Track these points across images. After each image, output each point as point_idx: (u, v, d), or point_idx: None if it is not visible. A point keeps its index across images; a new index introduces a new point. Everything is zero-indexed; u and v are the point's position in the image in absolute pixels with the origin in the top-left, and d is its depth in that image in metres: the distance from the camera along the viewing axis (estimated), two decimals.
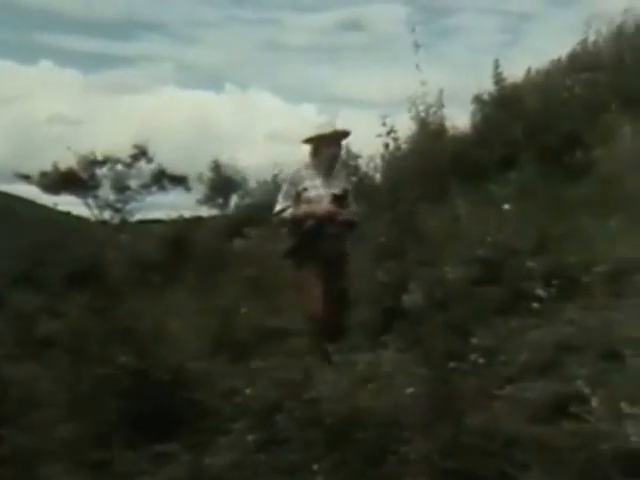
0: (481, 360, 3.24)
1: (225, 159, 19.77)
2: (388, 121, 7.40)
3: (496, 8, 43.37)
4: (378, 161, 9.54)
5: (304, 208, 4.20)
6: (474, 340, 3.59)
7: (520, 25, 47.94)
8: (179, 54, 53.53)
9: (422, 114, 8.62)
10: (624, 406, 2.50)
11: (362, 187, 8.89)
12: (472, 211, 6.09)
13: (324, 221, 4.15)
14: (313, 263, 4.13)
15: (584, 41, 9.13)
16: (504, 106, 8.31)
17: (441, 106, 8.73)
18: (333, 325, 4.10)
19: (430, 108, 8.60)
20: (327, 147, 4.28)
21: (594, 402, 2.56)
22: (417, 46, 7.90)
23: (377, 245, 6.38)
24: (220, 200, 19.23)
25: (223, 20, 56.00)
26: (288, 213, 4.23)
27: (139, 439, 3.38)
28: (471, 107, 9.38)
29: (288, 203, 4.24)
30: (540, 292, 3.96)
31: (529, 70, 9.42)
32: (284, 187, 4.38)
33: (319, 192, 4.21)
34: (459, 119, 9.24)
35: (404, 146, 8.64)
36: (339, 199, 4.22)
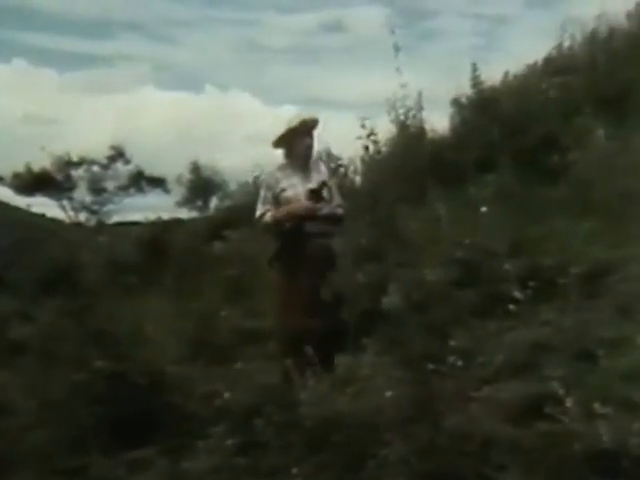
0: (459, 362, 3.26)
1: (204, 161, 19.72)
2: (368, 123, 7.41)
3: (473, 12, 43.87)
4: (358, 163, 9.56)
5: (284, 209, 4.07)
6: (452, 342, 3.61)
7: (496, 28, 48.48)
8: (157, 54, 53.26)
9: (401, 117, 8.66)
10: (597, 406, 2.54)
11: (342, 189, 8.90)
12: (450, 213, 6.13)
13: (303, 219, 4.00)
14: (298, 267, 3.96)
15: (559, 45, 9.24)
16: (482, 109, 8.37)
17: (420, 109, 8.77)
18: (326, 332, 3.91)
19: (409, 111, 8.65)
20: (300, 139, 4.17)
21: (568, 402, 2.59)
22: (397, 49, 7.91)
23: (356, 247, 6.41)
24: (199, 202, 19.17)
25: (201, 20, 55.82)
26: (268, 217, 4.09)
27: (116, 445, 3.36)
28: (450, 110, 9.45)
29: (267, 207, 4.11)
30: (517, 294, 3.98)
31: (506, 73, 9.51)
32: (261, 192, 4.25)
33: (297, 190, 4.09)
34: (438, 122, 9.29)
35: (384, 148, 8.69)
36: (316, 193, 4.05)
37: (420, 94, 8.65)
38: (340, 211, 4.24)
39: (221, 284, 6.77)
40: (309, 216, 4.00)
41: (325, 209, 4.07)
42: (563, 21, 9.25)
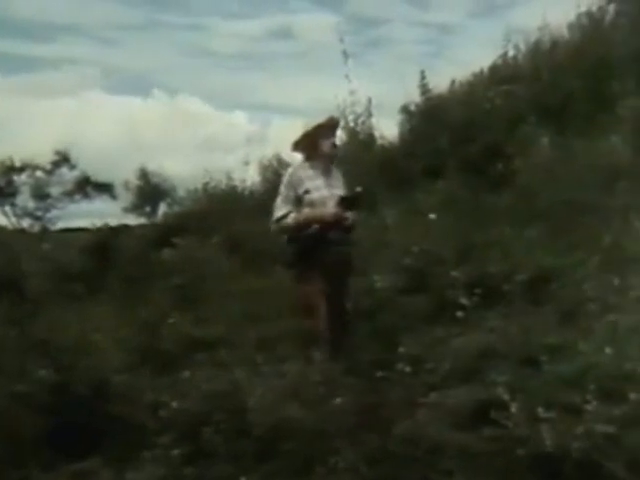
0: (407, 368, 3.29)
1: (153, 166, 19.48)
2: None
3: (420, 20, 44.55)
4: None
5: (307, 212, 3.86)
6: (401, 349, 3.64)
7: (443, 37, 49.31)
8: (104, 58, 52.17)
9: (351, 123, 8.73)
10: (540, 411, 2.60)
11: None
12: (399, 220, 6.20)
13: (330, 226, 3.84)
14: (317, 274, 3.81)
15: (504, 55, 9.44)
16: (430, 117, 8.50)
17: (370, 116, 8.87)
18: (337, 341, 3.82)
19: (359, 118, 8.72)
20: (326, 137, 4.01)
21: (513, 408, 2.64)
22: (346, 55, 8.00)
23: None
24: (147, 208, 18.91)
25: (147, 24, 54.99)
26: (290, 219, 3.88)
27: (58, 457, 3.26)
28: (398, 117, 9.57)
29: (289, 208, 3.90)
30: (464, 300, 4.06)
31: (453, 82, 9.69)
32: (282, 191, 3.98)
33: (322, 193, 3.90)
34: (387, 129, 9.39)
35: None
36: (346, 202, 3.89)
37: (369, 101, 8.76)
38: (354, 222, 4.15)
39: (169, 291, 6.66)
40: (335, 224, 3.86)
41: (351, 218, 3.98)
42: (507, 31, 9.46)
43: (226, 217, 8.89)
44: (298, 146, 4.16)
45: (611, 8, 8.98)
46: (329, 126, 4.04)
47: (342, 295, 3.91)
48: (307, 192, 3.87)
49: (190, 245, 7.84)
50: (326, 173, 4.00)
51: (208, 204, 10.13)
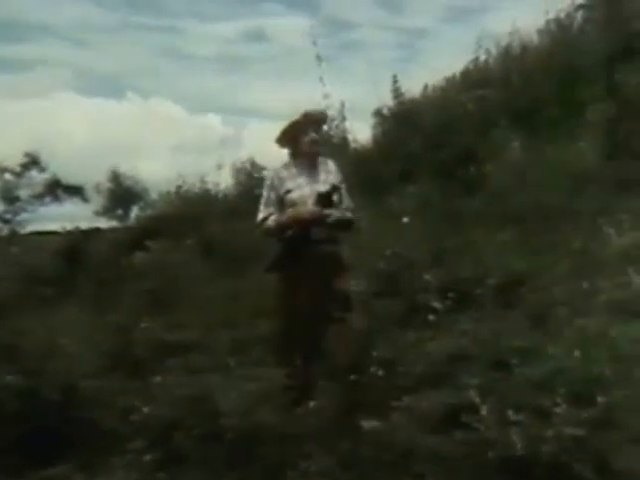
0: (380, 372, 3.30)
1: (126, 169, 19.31)
2: None
3: (394, 24, 44.85)
4: None
5: (288, 213, 3.66)
6: (374, 352, 3.65)
7: (416, 41, 49.76)
8: (76, 59, 51.76)
9: (325, 127, 8.75)
10: (511, 414, 2.63)
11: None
12: (373, 224, 6.22)
13: (309, 225, 3.61)
14: (300, 277, 3.58)
15: (475, 60, 9.56)
16: (403, 121, 8.56)
17: (343, 119, 8.90)
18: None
19: (332, 121, 8.75)
20: (305, 135, 3.75)
21: (484, 411, 2.67)
22: (319, 59, 8.00)
23: None
24: (119, 211, 18.74)
25: (121, 25, 54.64)
26: (271, 221, 3.69)
27: (27, 463, 3.21)
28: (372, 121, 9.62)
29: (270, 210, 3.72)
30: (436, 304, 4.08)
31: (426, 86, 9.77)
32: (264, 193, 3.81)
33: (303, 192, 3.69)
34: (361, 132, 9.44)
35: None
36: (325, 198, 3.64)
37: (343, 105, 8.80)
38: (349, 215, 3.82)
39: (142, 295, 6.60)
40: (316, 222, 3.63)
41: (334, 215, 3.67)
42: (479, 36, 9.56)
43: (200, 220, 8.84)
44: (281, 142, 3.93)
45: (579, 15, 9.12)
46: (308, 123, 3.78)
47: (326, 298, 3.58)
48: (288, 192, 3.71)
49: (163, 248, 7.78)
50: (310, 170, 3.78)
51: (181, 207, 10.07)
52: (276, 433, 3.13)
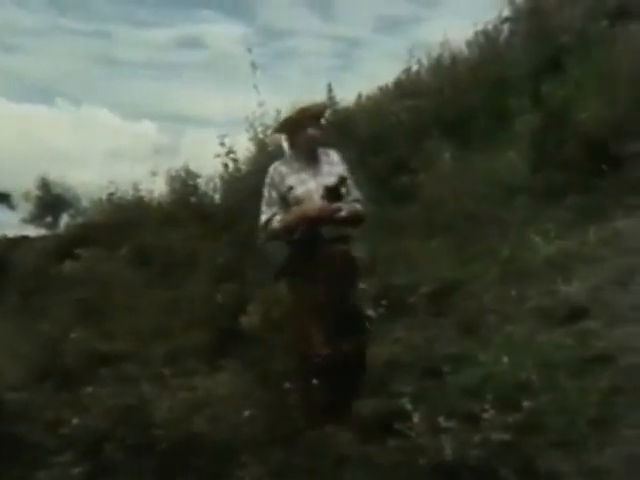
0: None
1: (55, 176, 18.81)
2: (228, 141, 7.44)
3: (328, 33, 45.33)
4: (217, 181, 9.54)
5: (295, 211, 3.31)
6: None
7: (351, 50, 50.40)
8: (3, 64, 49.90)
9: (260, 135, 8.75)
10: (441, 421, 2.69)
11: (201, 208, 8.84)
12: None
13: (319, 222, 3.27)
14: (312, 282, 3.25)
15: (408, 70, 9.69)
16: (338, 129, 8.62)
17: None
18: (347, 359, 3.20)
19: (268, 129, 8.74)
20: (301, 130, 3.45)
21: (416, 418, 2.71)
22: (255, 67, 8.01)
23: (215, 266, 6.35)
24: (49, 219, 18.22)
25: (48, 29, 53.12)
26: (276, 222, 3.34)
27: None
28: None
29: (274, 210, 3.37)
30: (370, 312, 4.13)
31: (360, 95, 9.87)
32: (265, 193, 3.46)
33: (308, 187, 3.35)
34: None
35: (243, 167, 8.72)
36: (333, 191, 3.28)
37: (278, 113, 8.80)
38: (359, 207, 3.48)
39: (72, 305, 6.43)
40: (325, 219, 3.28)
41: (345, 209, 3.33)
42: (411, 46, 9.71)
43: (133, 228, 8.68)
44: (280, 134, 3.70)
45: (505, 28, 9.40)
46: (303, 117, 3.46)
47: (343, 306, 3.27)
48: (291, 188, 3.36)
49: (94, 257, 7.61)
50: (312, 163, 3.46)
51: (114, 215, 9.85)
52: (210, 443, 3.11)
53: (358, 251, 3.63)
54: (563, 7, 8.59)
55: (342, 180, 3.32)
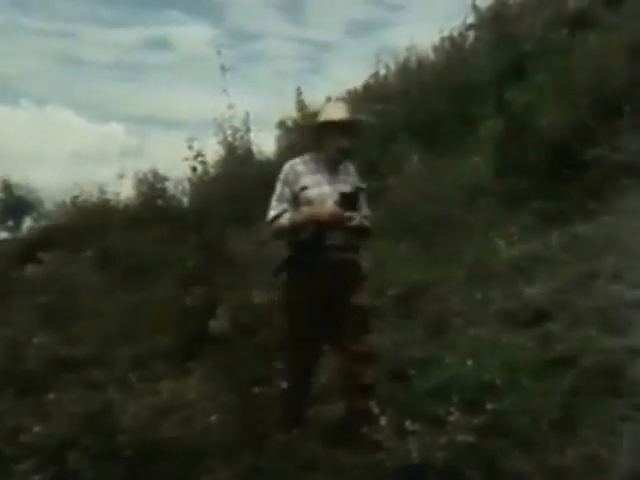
0: (284, 385, 3.30)
1: (18, 179, 18.49)
2: (196, 144, 7.39)
3: (297, 36, 45.36)
4: (186, 184, 9.48)
5: (305, 211, 3.27)
6: (278, 365, 3.66)
7: (320, 54, 50.49)
8: None
9: (229, 138, 8.72)
10: (408, 423, 2.71)
11: (169, 211, 8.78)
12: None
13: (328, 227, 3.23)
14: (309, 286, 3.22)
15: (375, 74, 9.81)
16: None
17: (248, 130, 8.88)
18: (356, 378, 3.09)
19: (237, 132, 8.72)
20: (330, 138, 3.37)
21: (383, 421, 2.74)
22: (224, 69, 7.97)
23: (184, 269, 6.30)
24: (10, 222, 17.90)
25: (10, 28, 51.98)
26: (285, 219, 3.29)
27: None
28: (276, 132, 9.64)
29: (284, 206, 3.33)
30: None
31: (328, 98, 9.91)
32: (277, 188, 3.42)
33: (322, 190, 3.30)
34: (265, 144, 9.44)
35: (212, 170, 8.68)
36: (348, 199, 3.27)
37: (247, 115, 8.78)
38: (367, 223, 3.45)
39: (34, 309, 6.31)
40: (336, 224, 3.23)
41: (356, 219, 3.28)
42: (378, 50, 9.77)
43: (99, 231, 8.56)
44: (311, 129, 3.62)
45: (470, 34, 9.53)
46: (342, 126, 3.40)
47: (339, 312, 3.22)
48: (304, 188, 3.32)
49: (58, 260, 7.48)
50: (332, 167, 3.42)
51: (78, 217, 9.70)
52: (177, 448, 3.09)
53: (365, 260, 3.63)
54: (524, 15, 8.75)
55: (358, 190, 3.34)
